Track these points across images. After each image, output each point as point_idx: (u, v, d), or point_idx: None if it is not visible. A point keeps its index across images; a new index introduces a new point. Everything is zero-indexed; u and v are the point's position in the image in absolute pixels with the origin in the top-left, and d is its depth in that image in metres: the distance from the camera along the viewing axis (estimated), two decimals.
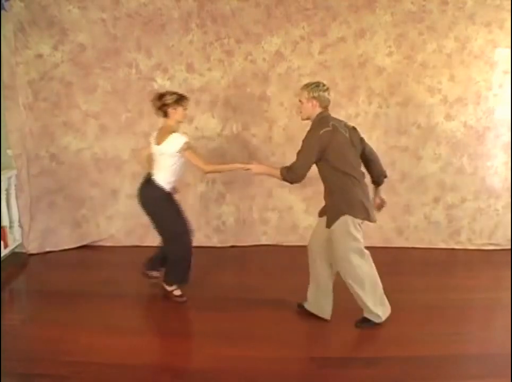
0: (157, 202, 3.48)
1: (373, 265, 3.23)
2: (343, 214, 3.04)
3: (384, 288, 3.81)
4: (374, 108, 4.63)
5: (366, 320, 3.25)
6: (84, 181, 4.62)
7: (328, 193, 3.16)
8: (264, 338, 3.13)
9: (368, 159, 3.26)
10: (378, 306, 3.24)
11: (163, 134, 3.38)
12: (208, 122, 4.60)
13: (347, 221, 3.05)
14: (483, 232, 4.84)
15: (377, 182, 3.33)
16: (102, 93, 4.47)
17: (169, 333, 3.19)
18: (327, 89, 3.10)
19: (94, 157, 4.60)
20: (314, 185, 4.60)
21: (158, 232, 3.59)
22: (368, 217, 3.11)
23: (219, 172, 3.91)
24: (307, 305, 3.39)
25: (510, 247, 4.74)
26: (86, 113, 4.50)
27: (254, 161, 3.55)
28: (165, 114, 3.43)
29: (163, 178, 3.44)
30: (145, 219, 4.74)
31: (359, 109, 4.62)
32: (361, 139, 3.24)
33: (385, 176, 3.34)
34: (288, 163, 3.13)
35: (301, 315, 3.41)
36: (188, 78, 4.51)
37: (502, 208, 4.79)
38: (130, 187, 4.70)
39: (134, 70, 4.47)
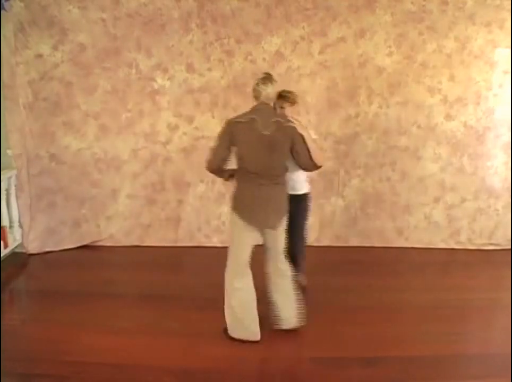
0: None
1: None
2: (233, 209, 3.03)
3: (384, 288, 3.82)
4: (374, 108, 4.63)
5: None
6: (84, 181, 4.62)
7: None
8: (264, 338, 3.12)
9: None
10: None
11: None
12: (208, 122, 4.60)
13: (233, 217, 3.03)
14: (483, 232, 4.83)
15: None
16: (102, 93, 4.47)
17: (169, 333, 3.19)
18: (260, 79, 2.96)
19: (94, 157, 4.60)
20: (314, 186, 4.62)
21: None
22: (250, 221, 2.98)
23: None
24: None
25: (510, 247, 4.74)
26: (86, 113, 4.49)
27: None
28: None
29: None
30: (144, 219, 4.79)
31: (359, 109, 4.62)
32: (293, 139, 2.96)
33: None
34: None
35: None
36: (188, 78, 4.51)
37: (502, 208, 4.79)
38: (130, 187, 4.71)
39: (134, 70, 4.47)
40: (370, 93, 4.59)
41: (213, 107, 4.59)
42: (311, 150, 2.97)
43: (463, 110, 4.62)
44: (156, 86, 4.52)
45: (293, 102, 3.28)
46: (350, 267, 3.63)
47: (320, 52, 4.51)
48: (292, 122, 2.95)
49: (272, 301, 3.15)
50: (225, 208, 4.76)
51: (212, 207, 4.81)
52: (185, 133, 4.64)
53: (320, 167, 3.08)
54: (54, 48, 4.32)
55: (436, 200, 4.80)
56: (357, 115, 4.63)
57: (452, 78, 4.56)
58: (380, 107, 4.63)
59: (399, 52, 4.52)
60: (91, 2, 4.29)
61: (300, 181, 3.34)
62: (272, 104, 3.08)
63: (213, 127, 4.61)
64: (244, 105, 4.54)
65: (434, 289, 3.86)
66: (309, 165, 3.04)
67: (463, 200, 4.79)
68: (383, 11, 4.44)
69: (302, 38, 4.48)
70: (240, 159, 2.95)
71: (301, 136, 2.94)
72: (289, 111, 3.21)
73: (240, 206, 2.99)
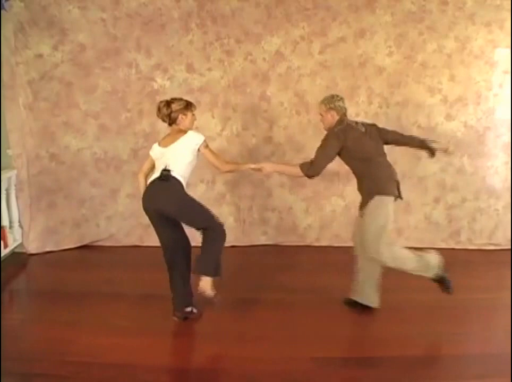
0: (182, 195, 3.21)
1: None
2: (375, 194, 3.23)
3: (384, 288, 3.82)
4: (374, 108, 4.63)
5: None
6: (84, 181, 4.63)
7: (359, 182, 3.38)
8: (264, 338, 3.12)
9: (397, 140, 3.56)
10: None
11: (174, 136, 3.23)
12: (208, 122, 4.60)
13: (378, 201, 3.22)
14: (483, 232, 4.83)
15: (426, 149, 3.57)
16: (102, 93, 4.48)
17: (169, 333, 3.19)
18: (341, 99, 3.39)
19: (94, 157, 4.61)
20: (314, 186, 4.63)
21: (193, 224, 3.29)
22: (397, 193, 3.32)
23: (234, 171, 3.84)
24: (355, 296, 3.45)
25: (510, 247, 4.74)
26: (86, 113, 4.50)
27: (265, 161, 3.64)
28: (174, 121, 3.27)
29: (181, 172, 3.19)
30: (145, 219, 4.77)
31: (359, 109, 4.62)
32: (381, 130, 3.49)
33: (429, 144, 3.53)
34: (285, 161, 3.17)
35: (301, 315, 3.41)
36: (188, 78, 4.52)
37: (502, 208, 4.78)
38: (130, 187, 4.71)
39: (134, 70, 4.48)
40: (370, 93, 4.59)
41: (213, 107, 4.59)
42: None
43: (463, 110, 4.62)
44: (156, 86, 4.52)
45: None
46: (350, 267, 3.62)
47: (320, 52, 4.52)
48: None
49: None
50: (226, 208, 4.78)
51: (212, 207, 4.76)
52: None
53: None
54: (54, 48, 4.32)
55: (436, 200, 4.80)
56: (357, 115, 4.62)
57: (452, 78, 4.56)
58: (380, 107, 4.63)
59: (399, 52, 4.52)
60: (91, 2, 4.30)
61: None
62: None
63: (213, 127, 4.63)
64: (244, 105, 4.60)
65: (434, 289, 3.85)
66: None
67: (463, 200, 4.79)
68: (383, 11, 4.44)
69: (302, 38, 4.49)
70: (357, 154, 3.29)
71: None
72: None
73: (386, 184, 3.27)
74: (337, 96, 3.42)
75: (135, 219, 4.76)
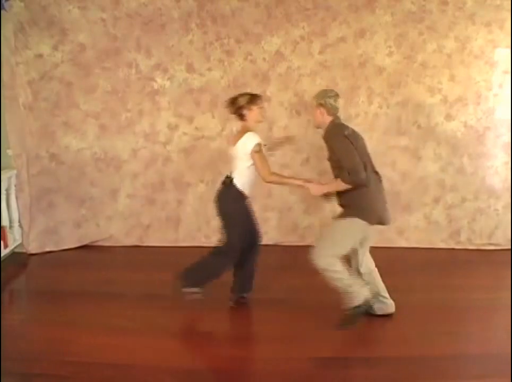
0: (231, 205, 3.35)
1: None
2: (353, 216, 3.07)
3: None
4: (374, 108, 4.63)
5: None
6: (84, 181, 4.63)
7: (343, 194, 3.14)
8: (264, 338, 3.13)
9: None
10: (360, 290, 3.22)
11: (239, 135, 3.28)
12: (208, 122, 4.60)
13: (353, 223, 3.08)
14: (483, 232, 4.83)
15: None
16: (102, 93, 4.48)
17: (169, 333, 3.19)
18: (334, 96, 3.13)
19: (94, 157, 4.61)
20: None
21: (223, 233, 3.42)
22: (380, 220, 3.15)
23: (280, 184, 3.53)
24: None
25: (510, 247, 4.74)
26: (86, 113, 4.50)
27: (313, 180, 3.37)
28: (242, 117, 3.32)
29: (240, 181, 3.28)
30: (144, 219, 4.79)
31: (359, 109, 4.62)
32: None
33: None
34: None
35: (301, 315, 3.40)
36: (188, 78, 4.52)
37: (502, 208, 4.78)
38: (130, 187, 4.71)
39: (134, 70, 4.48)
40: (371, 93, 4.59)
41: (213, 107, 4.59)
42: None
43: (463, 110, 4.62)
44: (156, 86, 4.52)
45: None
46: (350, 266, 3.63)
47: (320, 52, 4.52)
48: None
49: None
50: None
51: (212, 207, 4.77)
52: (185, 133, 4.64)
53: None
54: (54, 48, 4.32)
55: (436, 200, 4.80)
56: (357, 115, 4.63)
57: (452, 78, 4.55)
58: (380, 107, 4.63)
59: (399, 52, 4.52)
60: (91, 2, 4.30)
61: None
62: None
63: (213, 127, 4.64)
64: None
65: (434, 289, 3.86)
66: None
67: (463, 200, 4.78)
68: (383, 11, 4.44)
69: (302, 38, 4.48)
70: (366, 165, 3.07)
71: None
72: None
73: (370, 209, 3.09)
74: (331, 91, 3.19)
75: (135, 219, 4.77)
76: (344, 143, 3.03)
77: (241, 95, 3.34)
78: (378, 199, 3.16)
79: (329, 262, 3.10)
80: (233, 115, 3.38)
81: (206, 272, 3.43)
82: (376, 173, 3.24)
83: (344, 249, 3.15)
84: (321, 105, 3.12)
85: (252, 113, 3.29)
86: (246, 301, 3.57)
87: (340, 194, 3.16)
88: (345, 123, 3.23)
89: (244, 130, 3.28)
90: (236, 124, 4.62)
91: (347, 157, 3.01)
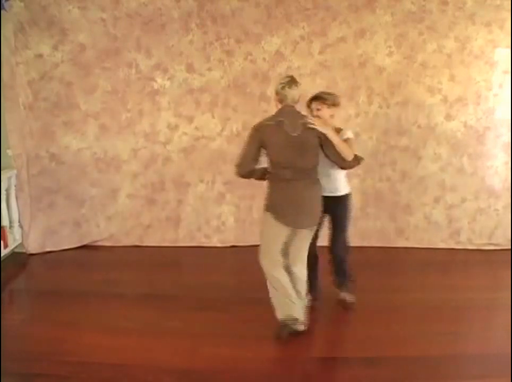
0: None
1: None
2: (267, 210, 3.05)
3: (384, 288, 3.83)
4: (374, 108, 4.63)
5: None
6: (84, 181, 4.62)
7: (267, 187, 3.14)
8: (264, 338, 3.12)
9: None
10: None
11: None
12: (208, 122, 4.60)
13: (268, 217, 3.04)
14: (483, 232, 4.83)
15: None
16: (102, 93, 4.48)
17: (169, 333, 3.19)
18: (286, 83, 2.96)
19: (94, 157, 4.60)
20: None
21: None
22: (289, 223, 3.01)
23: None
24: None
25: (510, 247, 4.74)
26: (86, 113, 4.50)
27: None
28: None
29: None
30: (144, 219, 4.79)
31: (359, 109, 4.62)
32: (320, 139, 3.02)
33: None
34: None
35: None
36: (188, 78, 4.51)
37: (502, 208, 4.78)
38: (130, 187, 4.71)
39: (134, 70, 4.47)
40: (371, 93, 4.59)
41: (213, 107, 4.59)
42: (336, 147, 2.99)
43: (463, 110, 4.62)
44: (156, 86, 4.52)
45: (332, 104, 3.26)
46: (350, 267, 3.63)
47: (320, 52, 4.51)
48: (312, 123, 2.96)
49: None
50: (226, 208, 4.79)
51: (212, 207, 4.81)
52: (185, 133, 4.64)
53: (355, 163, 3.18)
54: (54, 48, 4.32)
55: (436, 200, 4.80)
56: (357, 115, 4.63)
57: (452, 78, 4.55)
58: (380, 107, 4.63)
59: (399, 52, 4.52)
60: (91, 2, 4.30)
61: (339, 181, 3.36)
62: (298, 106, 3.06)
63: (213, 127, 4.64)
64: (244, 105, 4.59)
65: (434, 289, 3.86)
66: (341, 163, 3.10)
67: (463, 200, 4.78)
68: (383, 11, 4.44)
69: (302, 38, 4.48)
70: (271, 161, 3.01)
71: (325, 135, 2.96)
72: (327, 113, 3.22)
73: (275, 207, 3.03)
74: (285, 78, 3.01)
75: (135, 219, 4.76)
76: (248, 136, 3.00)
77: (326, 93, 3.32)
78: (285, 201, 3.01)
79: (266, 262, 3.10)
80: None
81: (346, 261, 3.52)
82: (307, 173, 3.02)
83: (268, 245, 3.08)
84: (276, 94, 3.01)
85: (322, 113, 3.25)
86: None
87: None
88: (293, 112, 2.98)
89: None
90: (236, 124, 4.66)
91: (242, 150, 3.03)
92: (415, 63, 4.53)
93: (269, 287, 3.13)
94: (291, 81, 2.98)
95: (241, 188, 4.71)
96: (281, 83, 2.99)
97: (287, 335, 3.07)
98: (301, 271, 3.17)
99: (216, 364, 2.88)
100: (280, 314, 3.12)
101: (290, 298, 3.08)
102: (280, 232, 3.05)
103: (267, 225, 3.07)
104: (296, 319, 3.09)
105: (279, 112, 2.99)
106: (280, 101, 3.00)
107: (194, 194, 4.77)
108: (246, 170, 3.03)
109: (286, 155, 2.94)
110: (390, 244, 4.81)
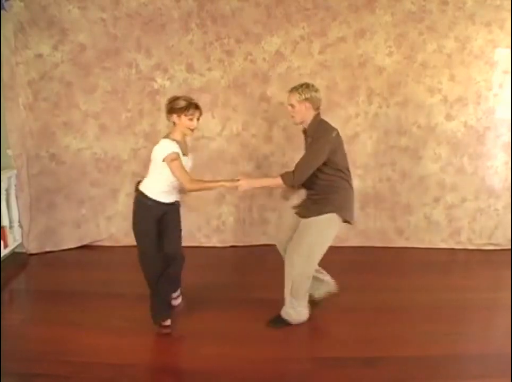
0: (135, 212, 3.18)
1: None
2: (331, 212, 3.06)
3: (384, 288, 3.82)
4: (374, 108, 4.63)
5: (281, 320, 3.25)
6: (84, 181, 4.62)
7: (319, 190, 3.12)
8: (264, 338, 3.13)
9: None
10: (303, 309, 3.24)
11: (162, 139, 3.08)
12: (208, 122, 4.60)
13: (332, 219, 3.07)
14: (483, 232, 4.83)
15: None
16: (102, 93, 4.48)
17: (169, 333, 3.19)
18: (317, 89, 3.07)
19: (94, 157, 4.61)
20: None
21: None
22: (351, 219, 3.18)
23: (204, 190, 3.36)
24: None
25: (510, 247, 4.74)
26: (86, 113, 4.50)
27: (240, 176, 3.25)
28: (172, 120, 3.10)
29: (150, 186, 3.10)
30: None
31: (359, 109, 4.62)
32: None
33: None
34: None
35: None
36: (188, 78, 4.51)
37: (502, 208, 4.78)
38: (130, 187, 4.69)
39: (134, 70, 4.47)
40: (370, 93, 4.59)
41: (213, 107, 4.58)
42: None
43: (463, 110, 4.62)
44: (156, 86, 4.52)
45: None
46: (350, 267, 3.62)
47: (320, 52, 4.52)
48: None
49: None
50: (226, 208, 4.78)
51: (212, 207, 4.81)
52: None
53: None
54: (54, 48, 4.32)
55: (436, 200, 4.80)
56: (357, 115, 4.63)
57: (452, 78, 4.56)
58: (380, 107, 4.63)
59: (399, 52, 4.52)
60: (91, 2, 4.30)
61: None
62: None
63: (213, 127, 4.64)
64: (244, 105, 4.60)
65: (434, 289, 3.86)
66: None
67: (463, 200, 4.78)
68: (383, 11, 4.44)
69: (302, 38, 4.48)
70: (338, 166, 3.06)
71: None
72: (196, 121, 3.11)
73: (344, 207, 3.12)
74: (313, 85, 3.06)
75: None
76: (324, 146, 2.97)
77: (183, 98, 3.03)
78: (352, 199, 3.21)
79: (306, 270, 3.13)
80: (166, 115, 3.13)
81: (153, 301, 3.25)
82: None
83: (323, 251, 3.13)
84: (307, 99, 3.00)
85: (180, 121, 3.03)
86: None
87: (315, 189, 3.12)
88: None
89: (165, 135, 3.07)
90: (236, 124, 4.66)
91: (309, 159, 3.00)
92: (415, 63, 4.53)
93: (297, 288, 3.15)
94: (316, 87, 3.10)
95: None
96: (314, 90, 3.04)
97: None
98: None
99: (216, 364, 2.88)
100: (288, 317, 3.23)
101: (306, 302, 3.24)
102: (336, 231, 3.17)
103: (331, 227, 3.11)
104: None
105: (324, 120, 3.10)
106: (316, 107, 3.07)
107: (194, 194, 4.75)
108: (302, 182, 3.03)
109: (346, 158, 3.13)
110: (390, 244, 4.82)
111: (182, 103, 3.01)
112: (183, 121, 3.03)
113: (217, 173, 4.69)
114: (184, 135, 3.10)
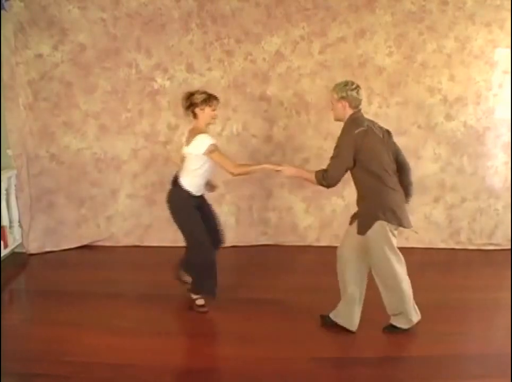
0: (180, 205, 3.33)
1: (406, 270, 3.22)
2: (377, 219, 2.95)
3: None
4: (374, 108, 4.62)
5: (394, 327, 3.18)
6: (84, 181, 4.62)
7: (360, 198, 3.08)
8: (264, 338, 3.12)
9: (400, 167, 3.18)
10: (412, 311, 3.17)
11: (191, 135, 3.26)
12: None
13: (382, 226, 2.97)
14: (483, 232, 4.83)
15: (405, 193, 3.23)
16: (102, 93, 4.48)
17: (169, 334, 3.19)
18: (356, 88, 2.99)
19: (94, 157, 4.61)
20: (313, 185, 4.62)
21: (183, 236, 3.42)
22: (401, 223, 3.05)
23: (248, 174, 3.50)
24: (334, 316, 3.22)
25: (510, 247, 4.74)
26: (86, 113, 4.50)
27: (285, 163, 3.36)
28: (194, 115, 3.30)
29: (189, 181, 3.31)
30: (145, 219, 4.78)
31: None
32: (395, 144, 3.19)
33: (411, 191, 3.32)
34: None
35: (301, 316, 3.40)
36: (188, 78, 4.51)
37: (502, 208, 4.78)
38: (130, 187, 4.71)
39: (134, 70, 4.48)
40: (370, 93, 4.59)
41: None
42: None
43: (463, 110, 4.62)
44: (156, 86, 4.52)
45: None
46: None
47: (320, 52, 4.52)
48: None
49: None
50: (226, 208, 4.78)
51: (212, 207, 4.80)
52: (184, 134, 4.63)
53: None
54: (54, 48, 4.32)
55: (436, 200, 4.80)
56: None
57: (452, 78, 4.56)
58: (380, 107, 4.63)
59: (399, 52, 4.52)
60: (91, 2, 4.30)
61: None
62: None
63: (213, 127, 4.60)
64: (244, 105, 4.60)
65: (434, 289, 3.86)
66: None
67: (463, 200, 4.78)
68: (383, 11, 4.44)
69: (302, 38, 4.49)
70: (370, 166, 2.95)
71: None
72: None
73: (390, 212, 2.98)
74: (352, 84, 3.00)
75: (135, 219, 4.76)
76: (346, 142, 2.91)
77: (199, 92, 3.28)
78: (397, 201, 3.09)
79: (392, 286, 3.13)
80: (185, 111, 3.33)
81: (204, 278, 3.40)
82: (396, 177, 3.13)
83: (392, 260, 3.08)
84: (343, 98, 2.97)
85: (203, 114, 3.25)
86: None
87: (362, 198, 3.07)
88: (365, 117, 3.08)
89: (195, 131, 3.25)
90: (236, 124, 4.66)
91: (336, 156, 2.93)
92: (415, 63, 4.54)
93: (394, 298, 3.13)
94: (358, 86, 3.01)
95: (241, 188, 4.71)
96: (352, 89, 2.97)
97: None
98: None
99: (216, 364, 2.88)
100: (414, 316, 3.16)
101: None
102: (393, 237, 3.06)
103: (386, 236, 3.00)
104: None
105: (361, 117, 3.01)
106: (354, 106, 2.99)
107: None
108: (336, 182, 2.96)
109: (388, 160, 3.01)
110: None
111: (203, 96, 3.24)
112: (207, 112, 3.25)
113: (217, 173, 4.68)
114: (209, 125, 3.35)
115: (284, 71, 4.54)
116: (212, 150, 3.17)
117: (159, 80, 4.51)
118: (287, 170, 3.16)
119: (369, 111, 4.62)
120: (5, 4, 4.04)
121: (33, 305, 3.74)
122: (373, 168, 2.94)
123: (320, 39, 4.49)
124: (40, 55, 4.31)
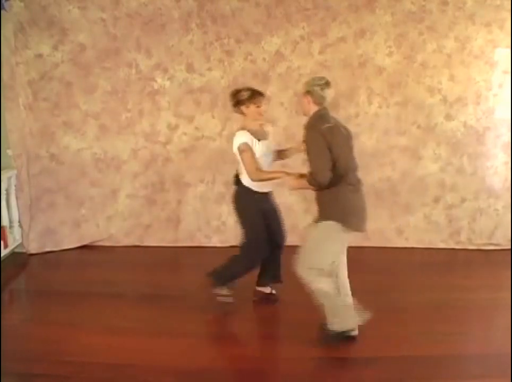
0: (243, 204, 3.32)
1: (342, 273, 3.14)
2: (332, 219, 2.88)
3: (384, 288, 3.81)
4: (374, 108, 4.63)
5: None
6: (84, 181, 4.63)
7: (320, 195, 2.97)
8: (264, 338, 3.12)
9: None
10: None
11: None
12: (208, 122, 4.60)
13: (333, 227, 2.88)
14: (483, 232, 4.83)
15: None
16: (102, 93, 4.48)
17: (169, 334, 3.19)
18: (323, 85, 2.89)
19: (94, 157, 4.61)
20: None
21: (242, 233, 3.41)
22: (358, 228, 2.95)
23: (267, 180, 3.28)
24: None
25: (510, 247, 4.74)
26: (86, 113, 4.50)
27: (293, 173, 3.16)
28: (240, 112, 3.31)
29: (246, 178, 3.25)
30: (144, 219, 4.79)
31: (359, 109, 4.62)
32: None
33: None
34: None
35: (301, 315, 3.40)
36: (188, 78, 4.52)
37: (502, 208, 4.78)
38: (130, 187, 4.71)
39: (134, 70, 4.48)
40: (370, 93, 4.59)
41: (213, 107, 4.59)
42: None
43: (463, 110, 4.62)
44: (156, 86, 4.52)
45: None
46: (350, 266, 3.61)
47: (320, 52, 4.52)
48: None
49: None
50: (226, 208, 4.78)
51: (212, 207, 4.81)
52: (185, 134, 4.65)
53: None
54: (54, 48, 4.33)
55: (436, 200, 4.80)
56: (357, 115, 4.63)
57: (452, 78, 4.56)
58: (380, 107, 4.63)
59: (399, 52, 4.52)
60: (91, 2, 4.30)
61: None
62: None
63: (213, 127, 4.64)
64: None
65: (434, 289, 3.86)
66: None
67: (463, 200, 4.78)
68: (383, 11, 4.44)
69: (302, 38, 4.49)
70: (340, 165, 2.85)
71: None
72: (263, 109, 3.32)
73: (347, 214, 2.88)
74: (320, 79, 2.93)
75: (135, 219, 4.76)
76: (315, 141, 2.82)
77: (245, 89, 3.28)
78: (359, 204, 2.96)
79: (312, 276, 2.95)
80: (233, 108, 3.36)
81: (231, 271, 3.44)
82: (358, 178, 3.03)
83: (327, 258, 2.94)
84: (308, 93, 2.91)
85: (249, 111, 3.26)
86: (275, 297, 3.59)
87: (317, 193, 2.96)
88: (329, 113, 2.97)
89: (239, 128, 3.28)
90: (236, 124, 4.65)
91: (313, 156, 2.84)
92: (415, 63, 4.53)
93: (320, 298, 2.99)
94: (328, 82, 2.92)
95: None
96: (318, 84, 2.90)
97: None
98: (345, 274, 3.15)
99: (216, 364, 2.88)
100: (338, 326, 2.98)
101: (344, 303, 3.02)
102: (345, 240, 2.99)
103: (331, 235, 2.91)
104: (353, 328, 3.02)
105: (325, 115, 2.93)
106: (318, 103, 2.92)
107: (194, 195, 4.77)
108: (328, 178, 2.81)
109: (351, 158, 2.96)
110: (390, 244, 4.81)
111: (247, 93, 3.23)
112: (252, 109, 3.24)
113: (217, 173, 4.70)
114: (257, 122, 3.30)
115: (284, 71, 4.54)
116: (242, 150, 3.15)
117: (159, 80, 4.51)
118: (290, 183, 3.11)
119: (369, 111, 4.64)
120: (5, 4, 4.04)
121: (33, 305, 3.75)
122: (337, 165, 2.84)
123: (320, 39, 4.49)
124: (40, 55, 4.31)
